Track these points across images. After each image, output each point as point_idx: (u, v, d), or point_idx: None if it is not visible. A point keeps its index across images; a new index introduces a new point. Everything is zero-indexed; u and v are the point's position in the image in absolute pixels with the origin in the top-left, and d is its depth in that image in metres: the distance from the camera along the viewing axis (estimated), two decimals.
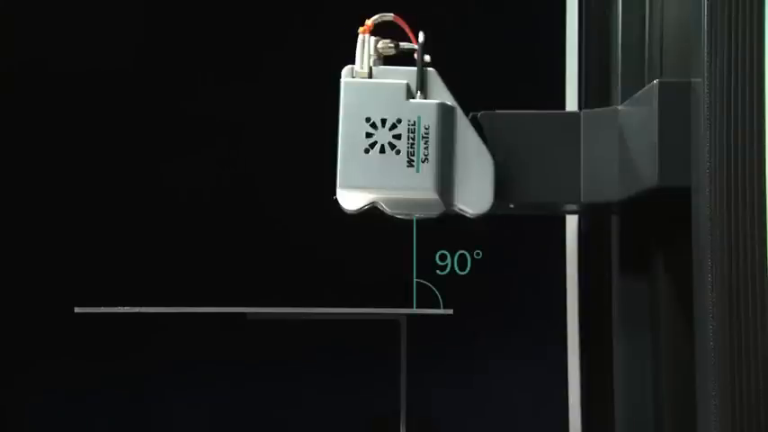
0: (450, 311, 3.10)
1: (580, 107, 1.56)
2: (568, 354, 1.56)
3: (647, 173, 1.13)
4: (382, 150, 1.21)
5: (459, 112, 1.22)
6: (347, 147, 1.23)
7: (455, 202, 1.20)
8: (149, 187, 3.28)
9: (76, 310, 2.98)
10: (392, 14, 1.22)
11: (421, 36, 1.22)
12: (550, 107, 1.37)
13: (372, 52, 1.23)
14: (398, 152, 1.20)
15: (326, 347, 3.27)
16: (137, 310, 2.97)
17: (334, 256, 3.30)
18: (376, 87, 1.22)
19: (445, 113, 1.21)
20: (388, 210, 1.20)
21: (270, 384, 3.29)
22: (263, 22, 3.34)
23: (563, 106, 1.52)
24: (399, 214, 1.23)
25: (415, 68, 1.22)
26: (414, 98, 1.21)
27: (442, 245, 2.91)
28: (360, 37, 1.23)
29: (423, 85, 1.21)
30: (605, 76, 1.44)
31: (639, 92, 1.19)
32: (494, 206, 1.22)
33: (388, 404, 3.13)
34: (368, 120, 1.22)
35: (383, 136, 1.21)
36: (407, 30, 1.22)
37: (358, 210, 1.23)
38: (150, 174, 3.28)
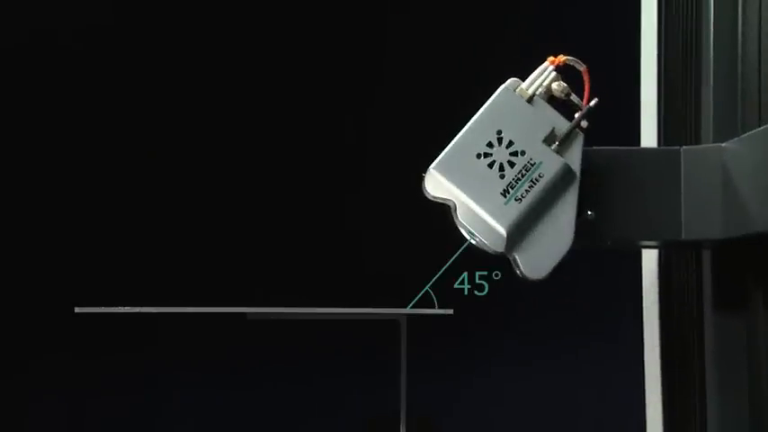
0: (451, 311, 3.09)
1: (660, 140, 1.50)
2: (646, 378, 1.52)
3: (762, 216, 1.10)
4: (491, 165, 1.19)
5: (576, 183, 1.19)
6: (465, 141, 1.21)
7: (515, 253, 1.18)
8: (149, 188, 3.28)
9: (76, 310, 2.98)
10: (585, 66, 1.19)
11: (594, 102, 1.20)
12: (623, 138, 1.32)
13: (545, 84, 1.21)
14: (502, 177, 1.18)
15: (326, 347, 3.27)
16: (137, 310, 2.97)
17: (334, 257, 3.30)
18: (526, 113, 1.19)
19: (565, 175, 1.19)
20: (457, 215, 1.18)
21: (269, 384, 3.29)
22: (260, 23, 3.35)
23: (637, 137, 1.45)
24: (462, 227, 1.20)
25: (569, 122, 1.20)
26: (549, 145, 1.19)
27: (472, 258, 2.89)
28: (545, 65, 1.21)
29: (564, 141, 1.19)
30: (691, 104, 1.37)
31: (751, 132, 1.16)
32: (586, 243, 1.20)
33: (388, 404, 3.13)
34: (499, 132, 1.19)
35: (501, 155, 1.19)
36: (587, 88, 1.20)
37: (434, 198, 1.20)
38: (150, 175, 3.28)
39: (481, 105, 1.20)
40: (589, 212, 1.20)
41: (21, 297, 3.18)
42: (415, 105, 3.28)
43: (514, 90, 1.19)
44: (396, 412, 3.11)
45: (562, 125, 1.18)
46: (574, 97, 1.18)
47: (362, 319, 3.12)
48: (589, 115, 1.17)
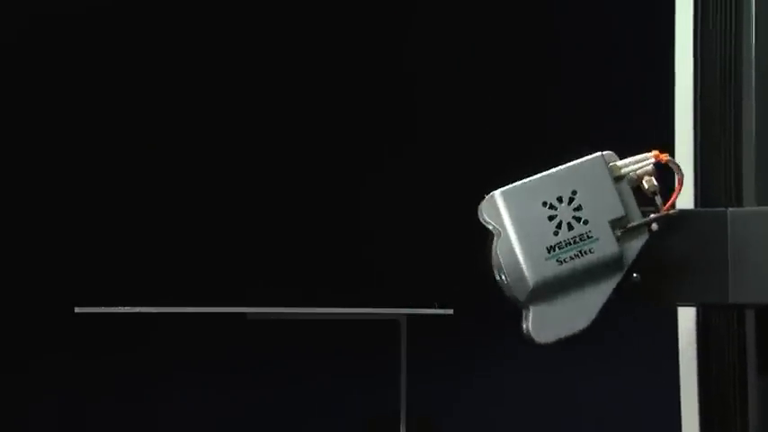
0: (451, 311, 3.09)
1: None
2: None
3: None
4: (551, 218, 1.17)
5: (620, 275, 1.18)
6: (538, 184, 1.19)
7: (531, 308, 1.17)
8: (149, 189, 3.28)
9: (76, 310, 2.98)
10: (682, 175, 1.18)
11: (674, 211, 1.19)
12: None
13: (638, 173, 1.19)
14: (556, 234, 1.16)
15: (326, 347, 3.27)
16: (137, 310, 2.97)
17: (334, 258, 3.30)
18: (608, 188, 1.18)
19: (614, 263, 1.17)
20: (496, 247, 1.16)
21: (270, 384, 3.29)
22: (259, 23, 3.35)
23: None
24: (495, 260, 1.18)
25: (643, 218, 1.19)
26: (613, 228, 1.17)
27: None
28: (647, 155, 1.19)
29: (629, 232, 1.18)
30: (731, 162, 1.34)
31: None
32: (629, 302, 1.18)
33: (388, 404, 3.13)
34: (573, 193, 1.18)
35: (565, 213, 1.17)
36: (674, 195, 1.19)
37: (484, 221, 1.19)
38: (150, 174, 3.28)
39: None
40: (634, 275, 1.18)
41: (21, 297, 3.18)
42: (417, 107, 3.29)
43: (607, 163, 1.17)
44: (396, 412, 3.11)
45: (634, 217, 1.15)
46: (658, 198, 1.16)
47: (362, 319, 3.12)
48: (664, 221, 1.16)
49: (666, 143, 1.42)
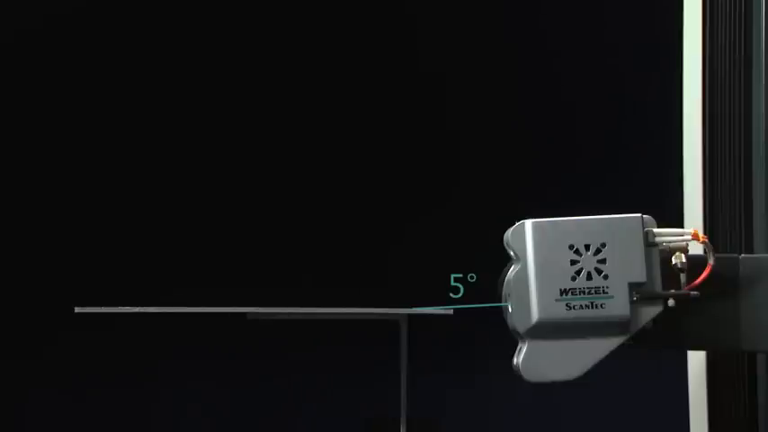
0: (451, 311, 3.09)
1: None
2: None
3: None
4: (573, 262, 1.18)
5: (624, 338, 1.18)
6: (570, 227, 1.19)
7: (528, 343, 1.17)
8: (149, 188, 3.28)
9: (76, 310, 2.97)
10: (713, 262, 1.16)
11: (694, 294, 1.18)
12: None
13: (671, 246, 1.19)
14: (573, 279, 1.17)
15: (326, 347, 3.27)
16: (137, 310, 2.97)
17: (334, 257, 3.30)
18: (636, 253, 1.17)
19: (621, 325, 1.17)
20: (511, 273, 1.17)
21: (269, 384, 3.29)
22: (261, 22, 3.35)
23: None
24: (506, 288, 1.18)
25: (663, 292, 1.18)
26: (631, 291, 1.17)
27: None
28: (685, 231, 1.19)
29: (645, 300, 1.18)
30: (741, 210, 1.33)
31: None
32: (638, 346, 1.18)
33: (388, 404, 3.13)
34: (602, 245, 1.18)
35: (588, 262, 1.18)
36: (701, 278, 1.19)
37: (507, 244, 1.19)
38: (150, 174, 3.28)
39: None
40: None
41: (21, 297, 3.18)
42: (423, 109, 3.28)
43: (645, 227, 1.17)
44: (396, 412, 3.11)
45: (655, 287, 1.16)
46: (682, 277, 1.16)
47: (362, 319, 3.12)
48: (683, 302, 1.15)
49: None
